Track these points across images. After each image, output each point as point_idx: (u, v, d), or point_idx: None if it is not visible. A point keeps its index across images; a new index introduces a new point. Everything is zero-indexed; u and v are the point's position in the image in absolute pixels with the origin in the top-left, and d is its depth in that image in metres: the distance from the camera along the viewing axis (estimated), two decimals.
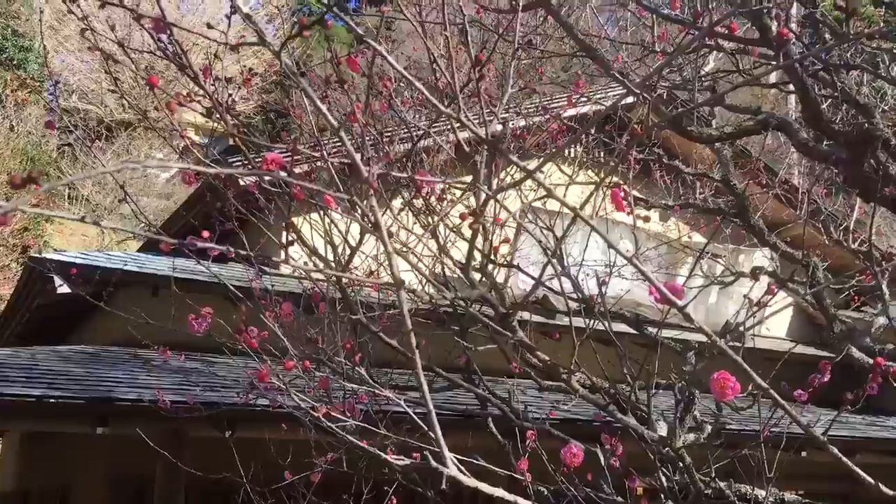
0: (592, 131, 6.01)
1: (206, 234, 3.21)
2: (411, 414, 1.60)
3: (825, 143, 4.31)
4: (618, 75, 2.16)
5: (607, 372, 4.16)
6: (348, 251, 3.37)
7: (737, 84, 3.72)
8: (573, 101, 4.32)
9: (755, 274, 5.93)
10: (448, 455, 1.21)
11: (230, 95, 2.21)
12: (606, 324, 3.03)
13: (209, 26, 1.94)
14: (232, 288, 3.14)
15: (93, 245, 14.70)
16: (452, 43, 1.90)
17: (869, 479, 1.38)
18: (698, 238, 8.09)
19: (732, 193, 5.13)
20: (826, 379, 3.05)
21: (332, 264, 2.75)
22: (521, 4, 1.87)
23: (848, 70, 5.13)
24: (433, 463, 1.23)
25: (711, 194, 6.43)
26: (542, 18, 4.64)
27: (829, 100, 4.93)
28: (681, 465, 2.80)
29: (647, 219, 1.94)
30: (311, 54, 15.16)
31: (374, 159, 2.39)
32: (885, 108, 6.36)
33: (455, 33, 2.52)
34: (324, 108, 1.15)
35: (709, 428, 4.63)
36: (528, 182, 5.47)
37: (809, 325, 8.90)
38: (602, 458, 2.91)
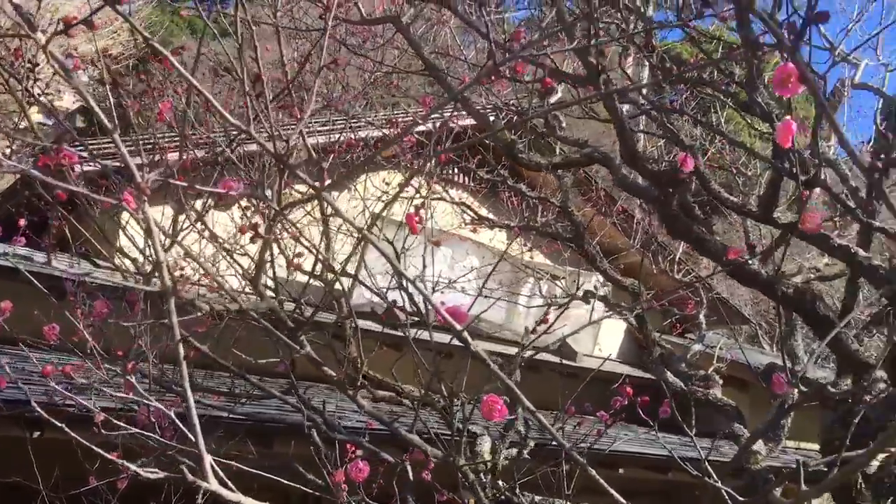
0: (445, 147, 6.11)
1: (22, 222, 3.02)
2: (174, 419, 1.56)
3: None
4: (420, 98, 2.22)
5: (443, 385, 4.24)
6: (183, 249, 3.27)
7: (548, 110, 3.90)
8: (418, 117, 4.39)
9: (587, 297, 6.23)
10: (209, 466, 1.20)
11: (38, 79, 2.09)
12: (407, 333, 3.08)
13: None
14: (32, 279, 2.96)
15: None
16: (247, 47, 1.89)
17: (618, 496, 1.48)
18: (541, 259, 8.40)
19: (569, 219, 5.37)
20: (626, 401, 3.25)
21: (145, 264, 2.66)
22: (329, 20, 1.88)
23: (681, 114, 5.50)
24: (189, 476, 1.21)
25: (554, 218, 6.69)
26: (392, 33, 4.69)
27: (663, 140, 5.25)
28: (475, 478, 2.89)
29: (437, 243, 2.00)
30: (173, 41, 14.61)
31: (156, 163, 2.33)
32: (714, 150, 6.87)
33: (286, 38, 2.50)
34: (93, 103, 1.12)
35: (532, 443, 4.81)
36: (376, 194, 5.41)
37: (638, 348, 9.42)
38: (410, 472, 2.96)
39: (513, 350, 6.02)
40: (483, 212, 7.17)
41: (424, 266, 2.99)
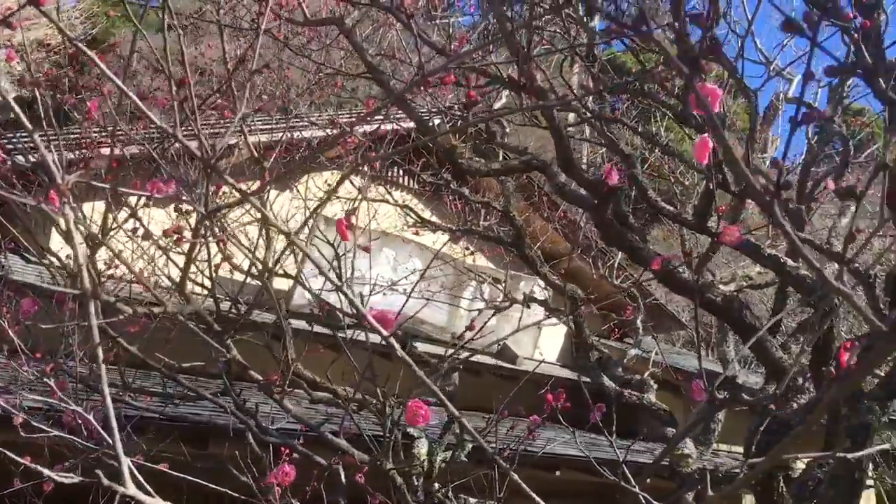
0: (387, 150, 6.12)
1: None
2: (92, 421, 1.54)
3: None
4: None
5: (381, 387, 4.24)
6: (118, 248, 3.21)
7: (484, 118, 3.95)
8: (362, 118, 4.39)
9: (526, 301, 6.30)
10: (126, 469, 1.19)
11: None
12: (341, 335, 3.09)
13: None
14: None
15: None
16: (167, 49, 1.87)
17: (532, 492, 1.50)
18: (484, 262, 8.46)
19: (511, 224, 5.43)
20: (559, 404, 3.29)
21: (70, 262, 2.61)
22: (262, 24, 1.88)
23: (620, 123, 5.60)
24: (104, 480, 1.19)
25: (496, 222, 6.75)
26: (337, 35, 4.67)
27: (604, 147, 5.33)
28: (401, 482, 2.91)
29: (366, 249, 2.00)
30: (115, 33, 14.30)
31: (86, 160, 2.29)
32: (653, 159, 7.02)
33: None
34: (10, 98, 1.10)
35: (469, 446, 4.84)
36: (318, 194, 5.38)
37: (577, 352, 9.56)
38: (342, 475, 2.96)
39: (450, 352, 6.05)
40: (426, 214, 7.19)
41: (353, 271, 2.99)
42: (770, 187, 0.80)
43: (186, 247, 2.46)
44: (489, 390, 5.67)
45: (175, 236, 1.66)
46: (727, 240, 1.63)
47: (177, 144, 2.94)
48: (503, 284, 7.87)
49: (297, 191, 4.76)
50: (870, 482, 9.63)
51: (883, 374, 4.35)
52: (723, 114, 5.11)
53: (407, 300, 2.93)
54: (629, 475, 1.71)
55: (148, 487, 1.30)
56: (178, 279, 3.44)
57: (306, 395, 5.12)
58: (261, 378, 2.94)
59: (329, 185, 4.88)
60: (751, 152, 4.32)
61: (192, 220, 2.02)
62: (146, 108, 1.26)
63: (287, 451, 3.30)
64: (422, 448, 4.78)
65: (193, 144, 1.30)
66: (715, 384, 1.66)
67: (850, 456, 2.08)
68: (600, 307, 7.43)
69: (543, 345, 9.09)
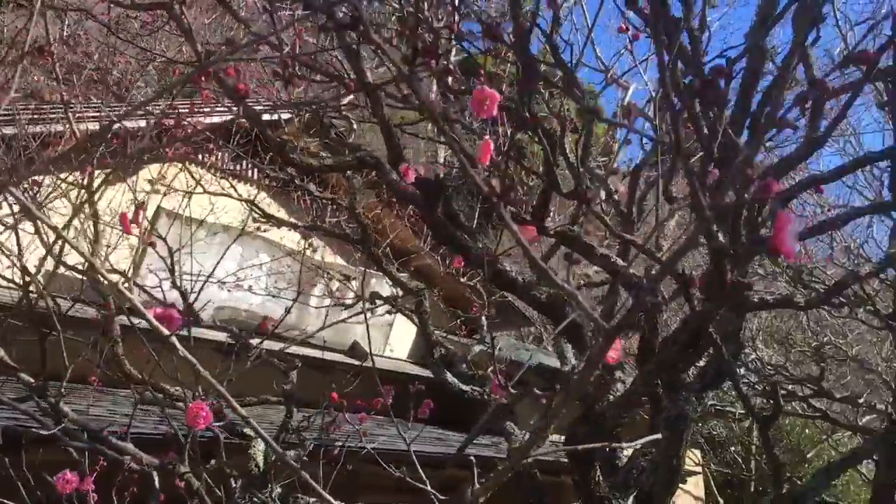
0: (231, 143, 5.95)
1: None
2: None
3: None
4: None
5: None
6: None
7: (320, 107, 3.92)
8: (196, 109, 4.24)
9: (373, 298, 6.30)
10: None
11: None
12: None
13: None
14: None
15: None
16: None
17: (328, 496, 1.50)
18: (336, 258, 8.39)
19: (356, 221, 5.40)
20: (390, 401, 3.31)
21: None
22: (38, 3, 1.77)
23: (460, 123, 5.67)
24: None
25: (345, 219, 6.70)
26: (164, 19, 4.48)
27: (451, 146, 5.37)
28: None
29: (151, 244, 1.92)
30: None
31: None
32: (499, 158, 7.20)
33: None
34: None
35: (310, 445, 4.78)
36: (150, 186, 5.09)
37: (428, 349, 9.66)
38: (157, 479, 2.84)
39: (302, 351, 5.96)
40: (274, 210, 7.05)
41: (130, 268, 2.88)
42: (497, 191, 0.83)
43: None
44: (339, 388, 5.64)
45: None
46: (527, 237, 1.67)
47: None
48: (353, 281, 7.84)
49: (128, 182, 4.54)
50: (698, 469, 10.30)
51: (702, 366, 4.65)
52: (564, 117, 5.29)
53: (201, 290, 2.84)
54: (419, 467, 1.74)
55: None
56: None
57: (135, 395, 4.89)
58: (32, 380, 2.77)
59: (163, 175, 4.70)
60: (587, 156, 4.50)
61: None
62: None
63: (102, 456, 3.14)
64: (258, 448, 4.68)
65: None
66: (513, 379, 1.71)
67: (628, 446, 2.19)
68: (448, 304, 7.55)
69: (395, 342, 9.13)
